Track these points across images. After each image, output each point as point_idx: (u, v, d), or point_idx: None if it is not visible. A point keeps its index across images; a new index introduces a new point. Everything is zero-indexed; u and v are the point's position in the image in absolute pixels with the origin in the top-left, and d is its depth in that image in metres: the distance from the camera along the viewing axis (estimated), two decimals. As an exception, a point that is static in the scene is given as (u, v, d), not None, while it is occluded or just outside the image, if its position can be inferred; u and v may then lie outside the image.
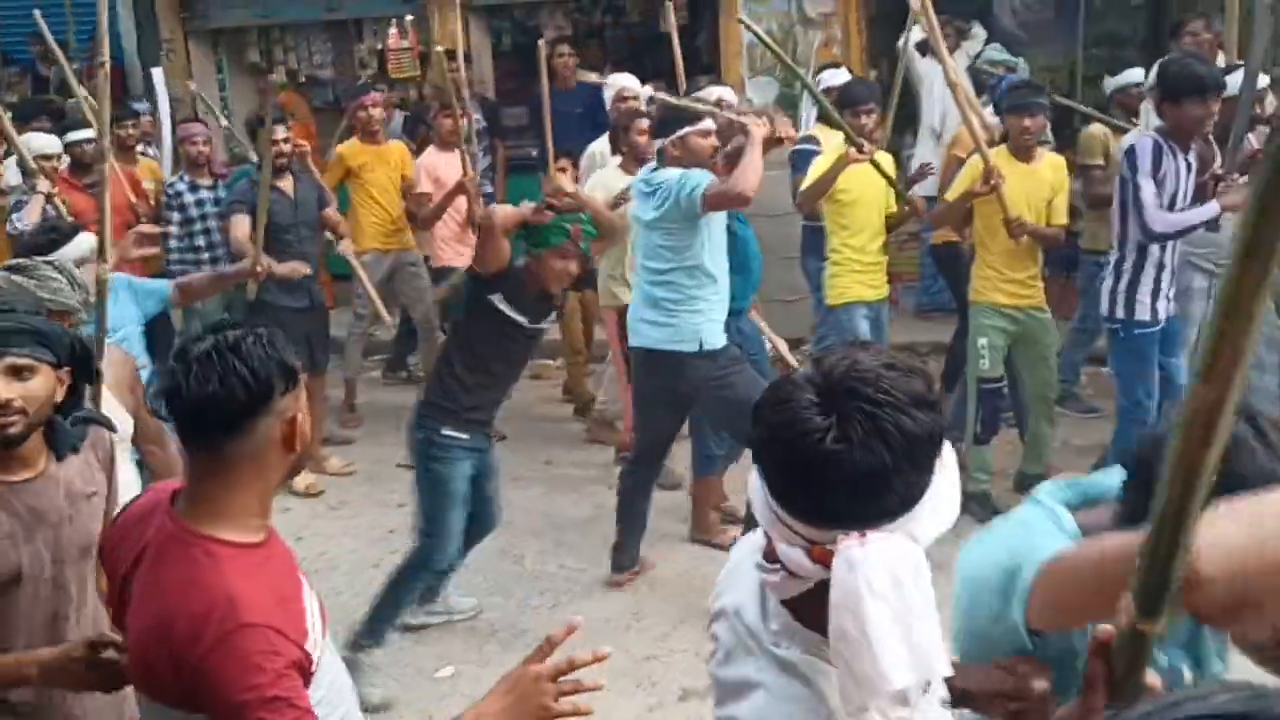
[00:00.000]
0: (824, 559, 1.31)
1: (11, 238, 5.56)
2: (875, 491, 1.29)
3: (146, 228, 5.52)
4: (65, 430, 2.32)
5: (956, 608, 1.78)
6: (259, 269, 5.24)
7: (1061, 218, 5.20)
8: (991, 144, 5.13)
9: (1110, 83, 6.51)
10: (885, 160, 5.33)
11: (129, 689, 2.05)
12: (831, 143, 5.49)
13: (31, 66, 10.02)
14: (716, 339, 4.55)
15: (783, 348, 5.45)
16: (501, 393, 4.33)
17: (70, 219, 4.99)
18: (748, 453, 1.67)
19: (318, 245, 6.27)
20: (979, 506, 4.87)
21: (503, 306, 4.07)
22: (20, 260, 3.20)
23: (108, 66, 3.49)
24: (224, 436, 1.81)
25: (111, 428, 2.53)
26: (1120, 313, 4.85)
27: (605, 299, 6.01)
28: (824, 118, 5.75)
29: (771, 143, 4.47)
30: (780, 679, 1.42)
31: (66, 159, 5.99)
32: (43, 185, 5.41)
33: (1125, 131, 5.69)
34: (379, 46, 9.56)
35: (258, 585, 1.79)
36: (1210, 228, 4.77)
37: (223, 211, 6.09)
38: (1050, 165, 5.19)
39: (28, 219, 5.32)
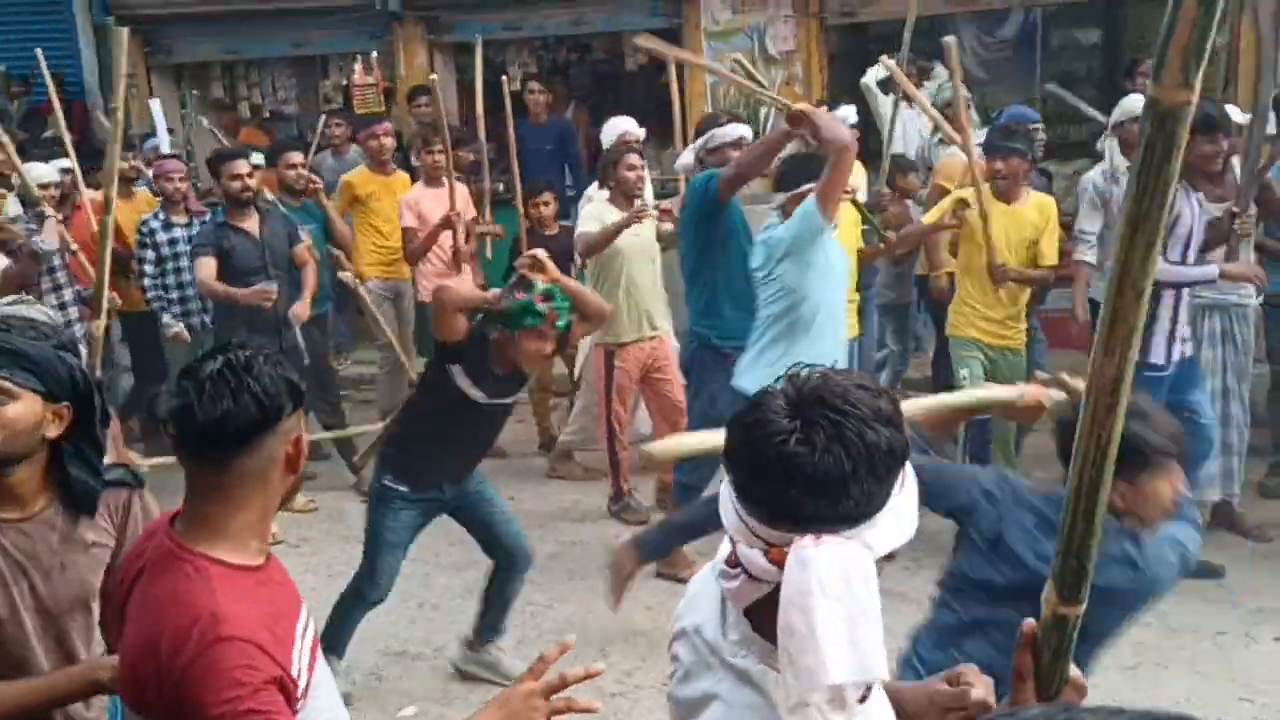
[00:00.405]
0: (780, 560, 1.36)
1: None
2: (833, 496, 1.34)
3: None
4: (90, 490, 2.17)
5: None
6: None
7: (1050, 259, 5.21)
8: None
9: (1115, 113, 5.85)
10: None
11: None
12: None
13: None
14: None
15: None
16: (460, 460, 4.11)
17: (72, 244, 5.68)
18: None
19: (289, 287, 5.94)
20: None
21: (460, 380, 3.85)
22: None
23: (120, 113, 3.65)
24: (233, 454, 1.81)
25: (140, 483, 2.36)
26: (1160, 358, 4.76)
27: (597, 335, 5.94)
28: None
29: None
30: (736, 689, 1.48)
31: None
32: (49, 210, 5.61)
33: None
34: (344, 82, 9.57)
35: (246, 605, 1.77)
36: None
37: (190, 253, 5.98)
38: (1036, 206, 5.21)
39: (50, 240, 5.57)
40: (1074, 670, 1.44)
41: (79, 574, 2.19)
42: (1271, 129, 5.06)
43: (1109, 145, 5.72)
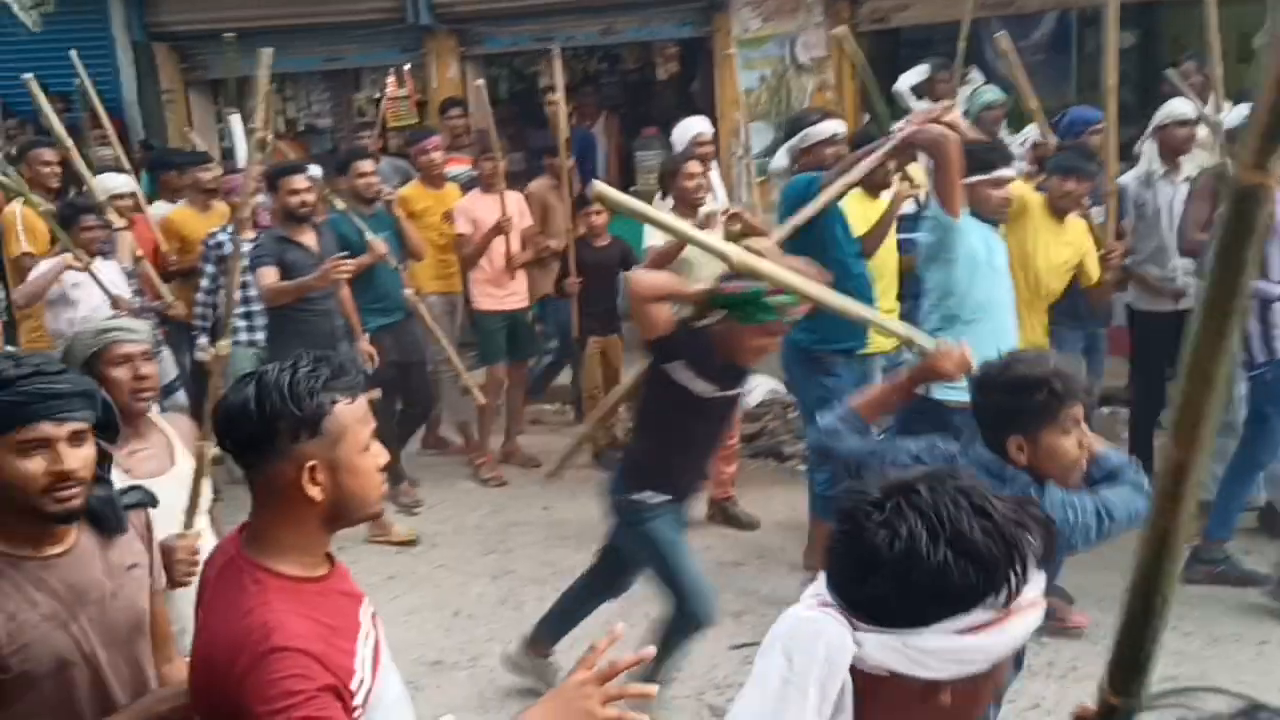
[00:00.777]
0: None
1: None
2: (867, 580, 1.31)
3: None
4: (113, 508, 2.13)
5: None
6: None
7: (1095, 276, 5.21)
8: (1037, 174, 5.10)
9: (1159, 116, 5.66)
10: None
11: None
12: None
13: (33, 118, 10.08)
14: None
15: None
16: (708, 456, 3.91)
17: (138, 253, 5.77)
18: None
19: (338, 301, 5.79)
20: None
21: (681, 375, 3.57)
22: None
23: (258, 134, 3.74)
24: (253, 465, 1.84)
25: (154, 503, 2.33)
26: (1261, 355, 4.70)
27: None
28: None
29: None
30: None
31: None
32: (119, 223, 5.60)
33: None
34: (376, 95, 9.65)
35: (302, 615, 1.79)
36: None
37: (250, 265, 5.91)
38: (1075, 228, 5.16)
39: (124, 257, 5.61)
40: None
41: (129, 598, 2.14)
42: None
43: (1147, 148, 5.64)
